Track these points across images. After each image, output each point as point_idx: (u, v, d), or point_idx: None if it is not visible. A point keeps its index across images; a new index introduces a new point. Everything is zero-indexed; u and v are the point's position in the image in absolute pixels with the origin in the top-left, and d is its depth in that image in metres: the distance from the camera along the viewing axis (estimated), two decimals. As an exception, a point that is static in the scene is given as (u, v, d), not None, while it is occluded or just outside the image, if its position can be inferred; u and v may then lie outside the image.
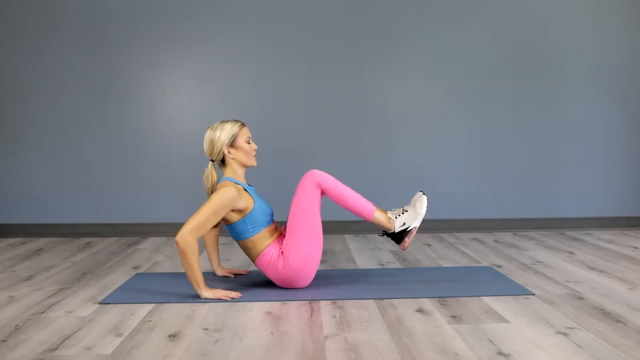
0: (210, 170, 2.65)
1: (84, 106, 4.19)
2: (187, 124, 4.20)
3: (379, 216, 2.62)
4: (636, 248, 3.55)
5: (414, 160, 4.27)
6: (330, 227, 4.10)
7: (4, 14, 4.14)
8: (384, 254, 3.46)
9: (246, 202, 2.54)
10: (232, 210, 2.53)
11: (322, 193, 2.59)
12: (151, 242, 3.94)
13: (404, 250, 2.82)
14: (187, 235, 2.38)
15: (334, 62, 4.21)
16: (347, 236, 4.12)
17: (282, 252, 2.57)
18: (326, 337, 2.00)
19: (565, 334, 2.01)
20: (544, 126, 4.30)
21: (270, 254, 2.57)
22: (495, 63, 4.26)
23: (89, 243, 3.90)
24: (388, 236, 2.68)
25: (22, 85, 4.18)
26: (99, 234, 4.20)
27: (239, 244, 2.65)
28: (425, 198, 2.66)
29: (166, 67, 4.19)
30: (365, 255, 3.46)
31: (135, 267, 3.17)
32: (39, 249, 3.69)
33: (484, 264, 3.17)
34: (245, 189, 2.58)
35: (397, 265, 3.17)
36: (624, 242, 3.76)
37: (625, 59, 4.30)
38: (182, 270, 3.06)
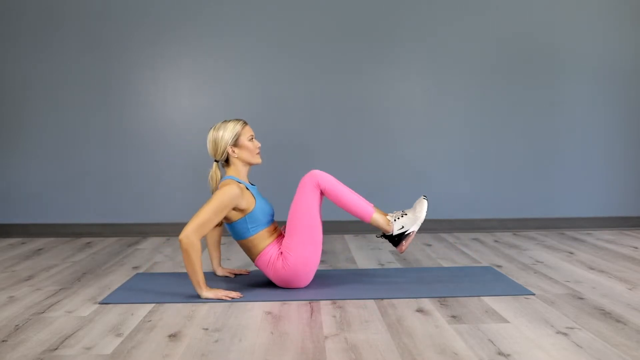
0: (215, 171, 2.65)
1: (83, 106, 4.19)
2: (187, 124, 4.20)
3: (377, 218, 2.61)
4: (636, 248, 3.55)
5: (414, 159, 4.27)
6: (330, 227, 4.10)
7: (4, 14, 4.14)
8: (384, 254, 3.46)
9: (248, 201, 2.54)
10: (234, 209, 2.53)
11: (322, 193, 2.59)
12: (151, 242, 3.94)
13: (401, 253, 2.81)
14: (191, 235, 2.38)
15: (335, 62, 4.21)
16: (347, 236, 4.12)
17: (281, 252, 2.58)
18: (326, 337, 2.00)
19: (565, 334, 2.01)
20: (544, 126, 4.30)
21: (269, 254, 2.58)
22: (495, 63, 4.25)
23: (89, 243, 3.90)
24: (386, 238, 2.66)
25: (22, 85, 4.18)
26: (99, 234, 4.20)
27: (239, 243, 2.65)
28: (425, 202, 2.64)
29: (166, 67, 4.19)
30: (365, 255, 3.46)
31: (135, 267, 3.17)
32: (39, 249, 3.69)
33: (484, 264, 3.17)
34: (247, 188, 2.59)
35: (397, 265, 3.17)
36: (624, 242, 3.75)
37: (626, 59, 4.30)
38: (182, 270, 3.06)
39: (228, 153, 2.62)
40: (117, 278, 2.91)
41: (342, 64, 4.21)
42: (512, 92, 4.27)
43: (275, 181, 4.16)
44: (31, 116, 4.19)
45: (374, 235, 4.12)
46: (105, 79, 4.18)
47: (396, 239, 2.62)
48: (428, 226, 4.18)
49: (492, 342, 1.94)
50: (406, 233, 2.61)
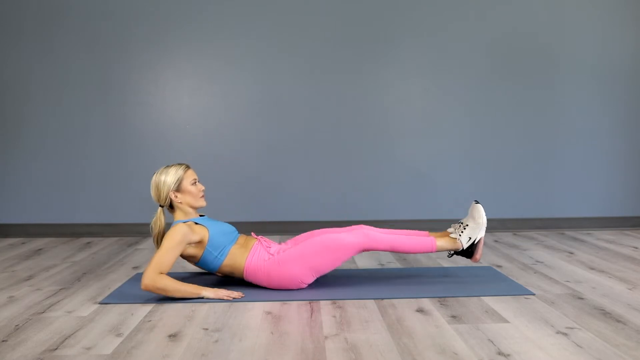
0: (159, 216, 2.61)
1: (84, 106, 4.19)
2: (187, 123, 4.20)
3: (442, 244, 2.63)
4: (636, 248, 3.55)
5: (414, 160, 4.27)
6: (330, 227, 4.09)
7: (4, 14, 4.14)
8: (384, 254, 3.46)
9: (200, 233, 2.53)
10: (191, 245, 2.51)
11: (363, 251, 2.60)
12: (151, 242, 3.94)
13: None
14: (151, 275, 2.36)
15: (334, 62, 4.21)
16: (347, 236, 4.11)
17: (272, 254, 2.56)
18: (326, 337, 2.00)
19: (565, 334, 2.01)
20: (543, 126, 4.30)
21: (254, 262, 2.56)
22: (495, 63, 4.25)
23: (89, 243, 3.90)
24: (458, 255, 2.69)
25: (22, 85, 4.18)
26: (99, 234, 4.20)
27: (220, 273, 2.64)
28: (480, 207, 2.65)
29: (166, 67, 4.19)
30: (365, 255, 3.46)
31: (135, 267, 3.17)
32: (39, 249, 3.69)
33: (484, 264, 3.17)
34: (196, 222, 2.57)
35: (397, 265, 3.17)
36: (624, 242, 3.75)
37: (626, 59, 4.30)
38: (182, 271, 3.07)
39: (171, 199, 2.60)
40: (117, 278, 2.91)
41: (342, 64, 4.21)
42: (512, 92, 4.27)
43: (275, 181, 4.16)
44: (31, 116, 4.19)
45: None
46: (105, 79, 4.18)
47: (469, 251, 2.66)
48: (428, 226, 4.18)
49: (492, 342, 1.94)
50: (475, 242, 2.64)
